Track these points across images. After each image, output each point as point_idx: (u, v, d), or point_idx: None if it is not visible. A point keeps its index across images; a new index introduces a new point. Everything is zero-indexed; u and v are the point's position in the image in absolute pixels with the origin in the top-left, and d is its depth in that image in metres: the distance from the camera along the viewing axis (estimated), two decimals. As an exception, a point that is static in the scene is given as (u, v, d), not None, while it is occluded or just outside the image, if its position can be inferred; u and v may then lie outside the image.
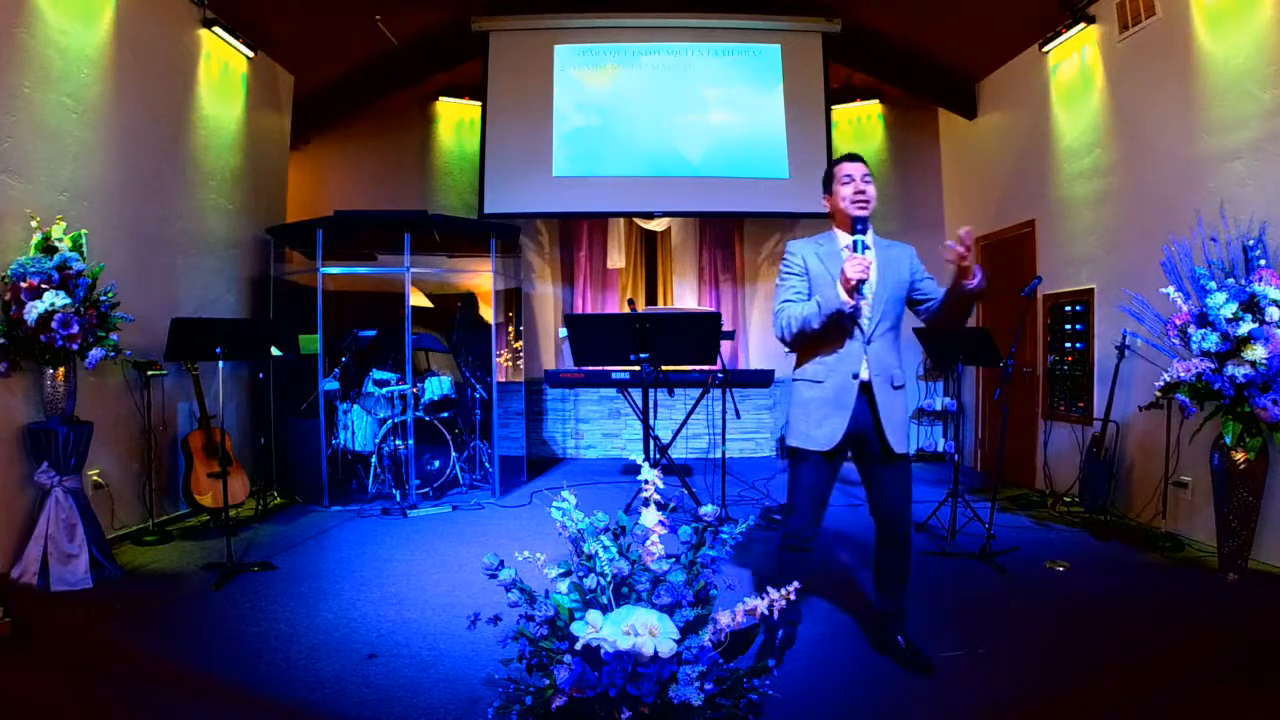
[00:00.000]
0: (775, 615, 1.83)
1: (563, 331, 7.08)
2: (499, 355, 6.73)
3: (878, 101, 7.36)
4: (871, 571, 2.76)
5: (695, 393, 5.91)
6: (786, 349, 2.56)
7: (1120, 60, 4.65)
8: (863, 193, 2.45)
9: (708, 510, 2.01)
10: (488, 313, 6.39)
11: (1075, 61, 5.10)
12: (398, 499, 4.97)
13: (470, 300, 6.76)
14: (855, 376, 2.42)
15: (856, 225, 2.39)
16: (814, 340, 2.45)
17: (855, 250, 2.34)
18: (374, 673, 2.51)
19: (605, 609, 1.79)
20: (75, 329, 3.30)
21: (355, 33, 5.78)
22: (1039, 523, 4.56)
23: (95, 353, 3.43)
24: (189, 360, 4.05)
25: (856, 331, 2.42)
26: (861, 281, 2.28)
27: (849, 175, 2.48)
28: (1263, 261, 3.35)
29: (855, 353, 2.42)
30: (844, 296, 2.30)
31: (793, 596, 1.83)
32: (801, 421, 2.48)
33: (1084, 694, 2.37)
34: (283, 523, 4.56)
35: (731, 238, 7.48)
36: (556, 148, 6.44)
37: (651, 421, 4.95)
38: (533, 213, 6.72)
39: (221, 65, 5.07)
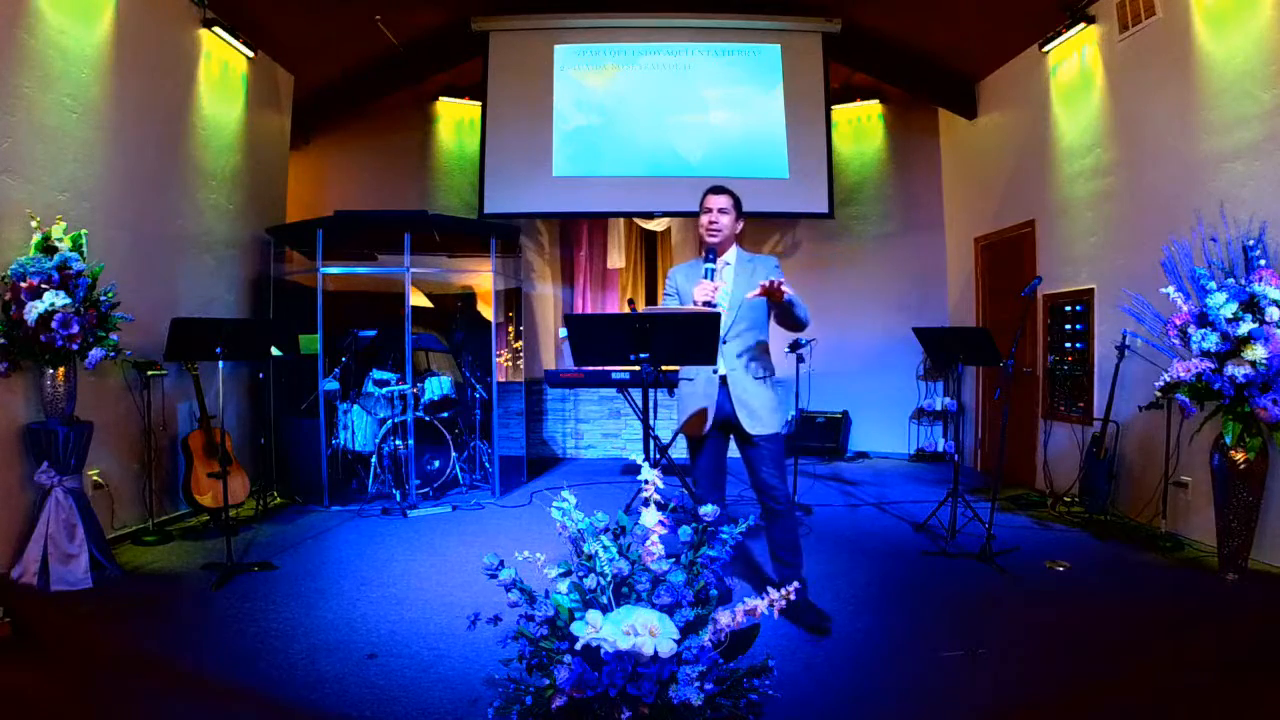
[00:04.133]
0: (776, 615, 1.83)
1: (563, 331, 7.08)
2: (499, 355, 6.73)
3: (878, 101, 7.35)
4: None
5: (695, 393, 5.90)
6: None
7: (1120, 60, 4.65)
8: (715, 223, 2.85)
9: (708, 510, 2.01)
10: (487, 312, 6.39)
11: (1075, 61, 5.09)
12: (398, 499, 4.97)
13: (470, 299, 6.77)
14: (715, 372, 2.86)
15: (708, 253, 2.79)
16: None
17: (705, 276, 2.74)
18: (374, 673, 2.51)
19: (605, 609, 1.78)
20: (75, 329, 3.30)
21: (355, 33, 5.77)
22: (1039, 523, 4.56)
23: (95, 353, 3.43)
24: (189, 360, 4.05)
25: None
26: (708, 303, 2.68)
27: (708, 207, 2.88)
28: (1263, 261, 3.35)
29: None
30: None
31: (792, 596, 1.83)
32: (683, 413, 2.98)
33: (1084, 694, 2.37)
34: (283, 523, 4.56)
35: (731, 238, 7.47)
36: (556, 148, 6.43)
37: (651, 421, 4.94)
38: (533, 213, 6.72)
39: (221, 65, 5.07)
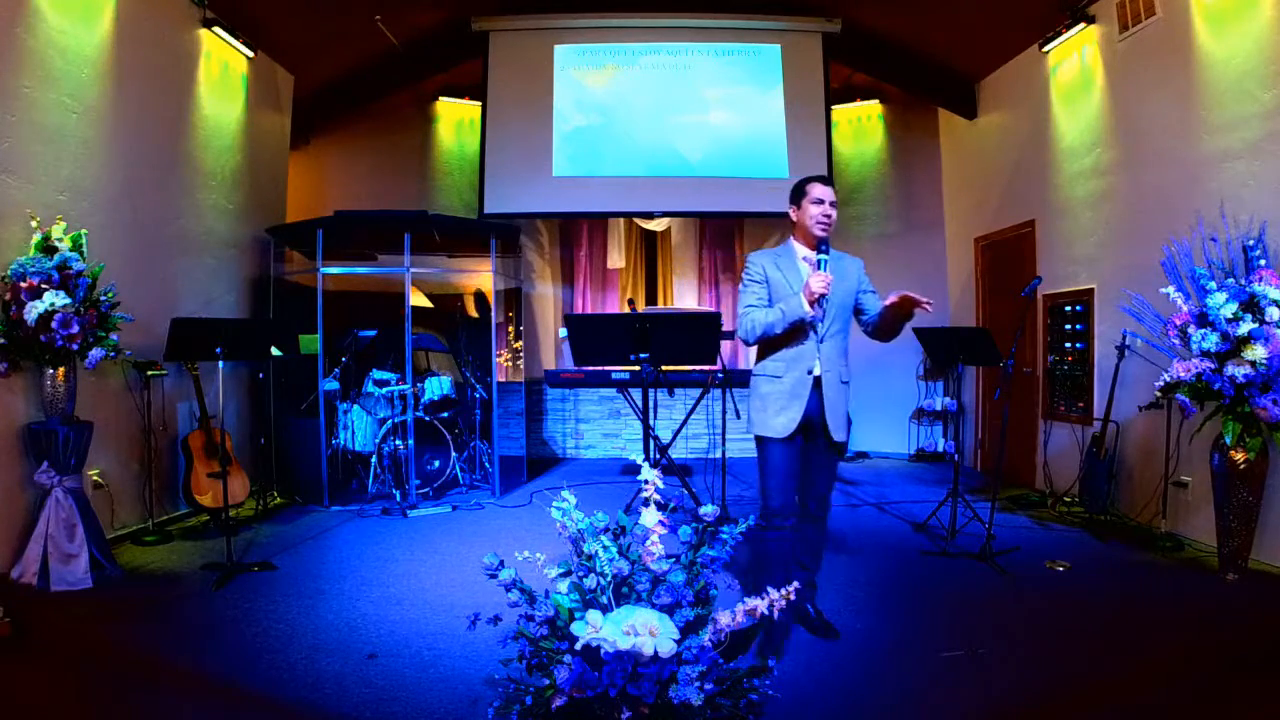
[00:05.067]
0: (776, 614, 1.83)
1: (563, 331, 7.08)
2: (499, 355, 6.73)
3: (878, 101, 7.35)
4: (871, 573, 2.81)
5: (695, 393, 5.92)
6: (747, 347, 2.81)
7: (1120, 60, 4.65)
8: (830, 216, 2.72)
9: (708, 510, 2.01)
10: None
11: (1075, 61, 5.10)
12: (398, 499, 4.97)
13: (480, 298, 6.78)
14: (810, 372, 2.69)
15: (821, 244, 2.66)
16: (774, 340, 2.71)
17: (819, 267, 2.62)
18: (374, 673, 2.51)
19: (605, 609, 1.79)
20: (75, 329, 3.30)
21: (355, 33, 5.77)
22: (1039, 523, 4.56)
23: (95, 353, 3.43)
24: (189, 360, 4.05)
25: (811, 334, 2.69)
26: (823, 295, 2.58)
27: (820, 198, 2.72)
28: (1263, 261, 3.35)
29: (810, 352, 2.69)
30: (807, 307, 2.58)
31: (792, 596, 1.83)
32: (762, 412, 2.72)
33: (1084, 694, 2.37)
34: (283, 523, 4.56)
35: (731, 238, 7.48)
36: (556, 148, 6.44)
37: (651, 421, 4.95)
38: (533, 213, 6.72)
39: (221, 65, 5.07)
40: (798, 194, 2.78)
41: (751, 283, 2.79)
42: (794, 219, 2.80)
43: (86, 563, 3.30)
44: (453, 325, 6.25)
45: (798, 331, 2.67)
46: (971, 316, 6.51)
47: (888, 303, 2.61)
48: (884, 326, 2.76)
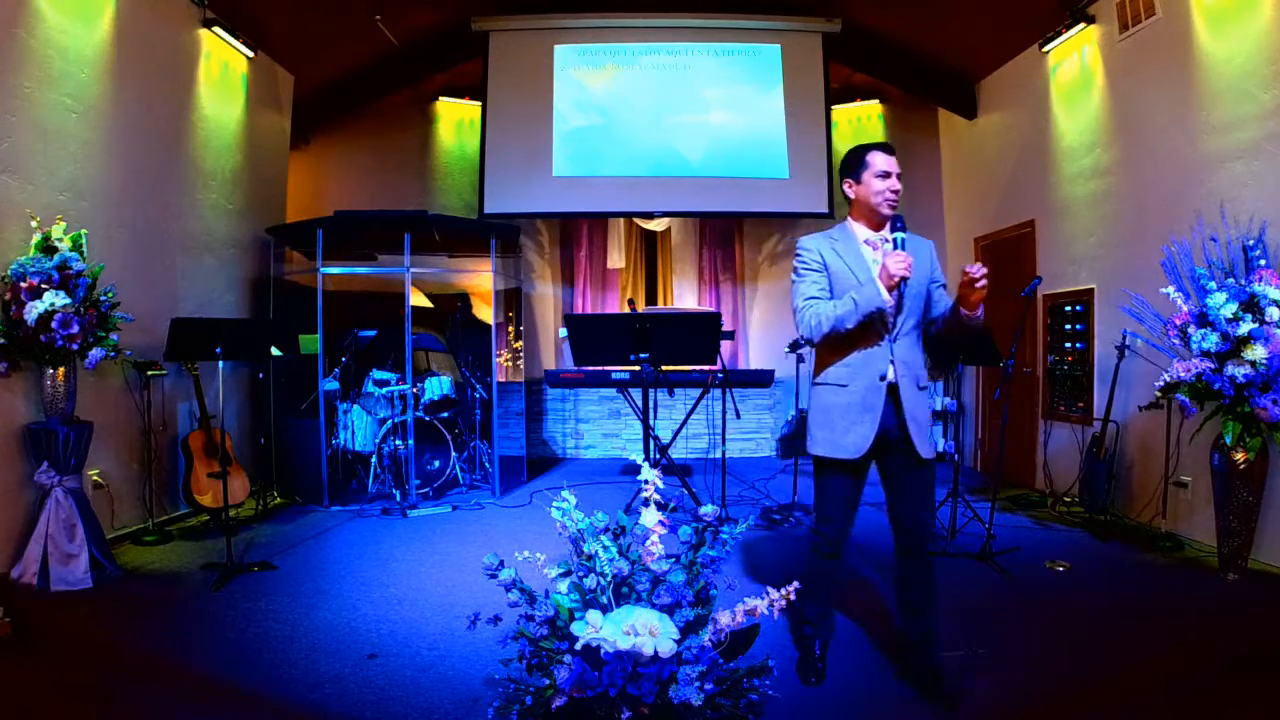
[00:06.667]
0: (776, 616, 1.83)
1: (563, 331, 7.08)
2: (499, 355, 6.73)
3: (878, 101, 7.36)
4: (871, 571, 2.72)
5: (695, 393, 5.91)
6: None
7: (1120, 60, 4.65)
8: (898, 192, 2.33)
9: (708, 510, 2.01)
10: (487, 313, 6.39)
11: (1075, 61, 5.10)
12: (398, 499, 4.97)
13: (465, 300, 6.77)
14: (883, 378, 2.28)
15: (894, 222, 2.25)
16: (840, 341, 2.30)
17: (897, 246, 2.21)
18: (374, 673, 2.51)
19: (605, 609, 1.79)
20: (75, 329, 3.30)
21: (355, 33, 5.78)
22: (1039, 523, 4.56)
23: (95, 353, 3.43)
24: (189, 360, 4.05)
25: (883, 331, 2.29)
26: (904, 279, 2.17)
27: (886, 170, 2.31)
28: (1263, 261, 3.35)
29: (882, 353, 2.29)
30: (885, 295, 2.18)
31: (792, 596, 1.83)
32: (826, 428, 2.33)
33: (1084, 694, 2.37)
34: (283, 523, 4.56)
35: (731, 238, 7.48)
36: (556, 148, 6.44)
37: (651, 421, 4.95)
38: (533, 213, 6.72)
39: (221, 65, 5.07)
40: (855, 165, 2.35)
41: (808, 270, 2.36)
42: (851, 196, 2.38)
43: (86, 563, 3.30)
44: (449, 326, 6.25)
45: (867, 329, 2.26)
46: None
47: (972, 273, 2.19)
48: (955, 327, 2.33)
